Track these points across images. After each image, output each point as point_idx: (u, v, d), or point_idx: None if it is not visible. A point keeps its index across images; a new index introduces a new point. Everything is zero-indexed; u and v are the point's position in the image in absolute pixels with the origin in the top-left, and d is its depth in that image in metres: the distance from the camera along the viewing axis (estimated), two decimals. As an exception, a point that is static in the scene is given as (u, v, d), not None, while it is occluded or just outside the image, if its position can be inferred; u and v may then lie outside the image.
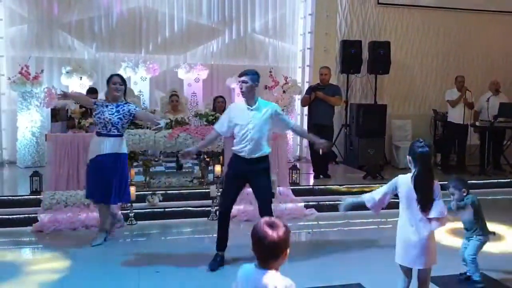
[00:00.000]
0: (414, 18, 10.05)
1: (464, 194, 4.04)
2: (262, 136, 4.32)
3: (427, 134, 9.69)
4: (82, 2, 8.83)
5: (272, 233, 2.00)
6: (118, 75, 5.18)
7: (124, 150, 5.01)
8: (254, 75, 4.32)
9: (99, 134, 4.91)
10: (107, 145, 4.85)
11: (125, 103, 5.00)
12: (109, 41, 8.99)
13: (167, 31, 9.24)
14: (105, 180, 4.83)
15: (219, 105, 7.91)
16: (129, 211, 5.82)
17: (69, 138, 6.04)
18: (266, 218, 2.09)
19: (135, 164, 6.37)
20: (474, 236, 4.09)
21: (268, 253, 2.03)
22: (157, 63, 8.79)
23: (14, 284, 4.13)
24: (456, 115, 8.69)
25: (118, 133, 4.91)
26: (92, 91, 7.76)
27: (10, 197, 6.19)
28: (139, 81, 8.49)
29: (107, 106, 4.93)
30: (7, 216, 5.72)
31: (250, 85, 4.28)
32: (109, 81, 5.02)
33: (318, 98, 7.44)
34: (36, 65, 8.41)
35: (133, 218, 5.80)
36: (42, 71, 8.22)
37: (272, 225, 2.03)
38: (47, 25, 8.70)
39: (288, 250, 2.06)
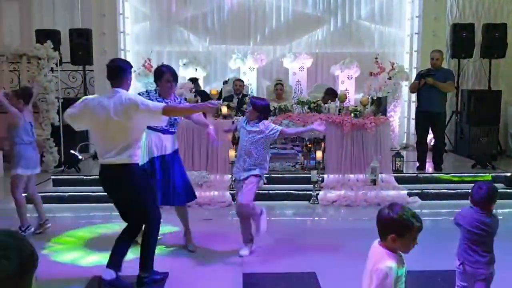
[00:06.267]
0: (537, -4, 9.32)
1: None
2: None
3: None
4: (196, -2, 9.51)
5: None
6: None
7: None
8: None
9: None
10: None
11: None
12: (220, 34, 9.58)
13: (274, 22, 9.60)
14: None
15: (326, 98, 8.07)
16: (236, 192, 6.29)
17: (184, 124, 6.60)
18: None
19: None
20: None
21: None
22: (264, 54, 9.17)
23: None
24: None
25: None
26: (192, 80, 8.28)
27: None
28: (248, 72, 8.95)
29: None
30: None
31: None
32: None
33: (428, 84, 6.97)
34: (157, 58, 9.27)
35: (240, 199, 6.26)
36: (162, 63, 9.05)
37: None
38: (166, 21, 9.52)
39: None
